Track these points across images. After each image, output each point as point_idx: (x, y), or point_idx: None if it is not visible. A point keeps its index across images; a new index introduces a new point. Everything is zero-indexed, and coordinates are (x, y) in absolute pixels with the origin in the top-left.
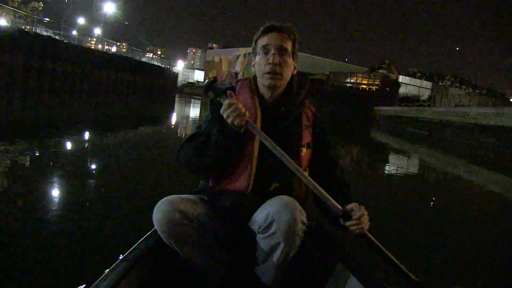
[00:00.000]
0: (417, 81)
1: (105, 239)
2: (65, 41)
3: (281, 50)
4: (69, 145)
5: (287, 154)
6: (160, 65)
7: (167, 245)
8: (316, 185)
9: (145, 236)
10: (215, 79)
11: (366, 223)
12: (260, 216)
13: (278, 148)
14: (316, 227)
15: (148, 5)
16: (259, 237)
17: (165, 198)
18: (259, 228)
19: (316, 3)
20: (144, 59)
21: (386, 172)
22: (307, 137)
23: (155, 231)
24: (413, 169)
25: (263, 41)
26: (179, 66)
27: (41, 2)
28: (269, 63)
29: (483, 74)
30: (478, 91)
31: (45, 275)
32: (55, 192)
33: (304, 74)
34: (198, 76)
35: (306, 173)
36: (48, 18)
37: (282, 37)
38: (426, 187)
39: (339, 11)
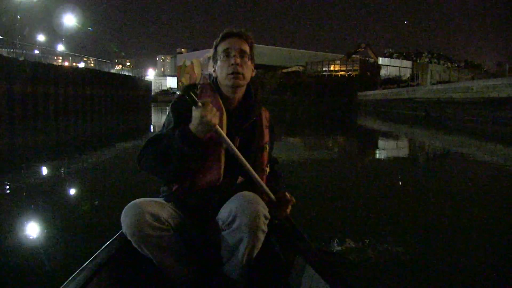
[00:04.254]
0: (396, 61)
1: (70, 245)
2: (20, 59)
3: (241, 53)
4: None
5: (253, 152)
6: (131, 75)
7: (133, 248)
8: (258, 178)
9: (110, 240)
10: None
11: (289, 208)
12: (223, 212)
13: (234, 148)
14: (279, 224)
15: (113, 15)
16: (223, 233)
17: (132, 202)
18: (222, 224)
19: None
20: (113, 71)
21: (390, 158)
22: (267, 137)
23: (121, 234)
24: (420, 152)
25: (223, 45)
26: (150, 74)
27: None
28: (232, 64)
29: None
30: (456, 64)
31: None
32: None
33: (275, 68)
34: (171, 82)
35: (267, 169)
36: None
37: (241, 41)
38: (443, 171)
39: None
